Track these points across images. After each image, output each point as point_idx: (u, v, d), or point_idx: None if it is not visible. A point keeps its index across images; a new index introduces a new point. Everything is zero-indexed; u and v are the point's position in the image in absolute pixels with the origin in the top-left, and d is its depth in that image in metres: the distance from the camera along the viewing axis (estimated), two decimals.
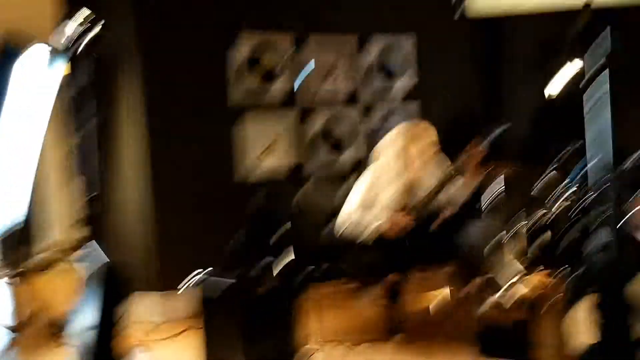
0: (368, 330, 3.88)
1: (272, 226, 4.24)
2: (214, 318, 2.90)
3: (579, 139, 3.97)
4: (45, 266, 6.75)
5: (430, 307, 4.27)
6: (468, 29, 5.40)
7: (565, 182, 3.96)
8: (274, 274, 3.02)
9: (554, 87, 5.06)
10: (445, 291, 4.13)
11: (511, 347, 3.22)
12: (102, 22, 3.69)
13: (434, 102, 5.22)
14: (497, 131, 3.64)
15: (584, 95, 1.68)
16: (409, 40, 5.20)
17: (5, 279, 4.22)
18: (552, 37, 4.94)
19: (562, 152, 4.03)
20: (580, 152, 3.94)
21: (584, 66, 1.64)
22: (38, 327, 4.23)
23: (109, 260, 2.69)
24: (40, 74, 4.13)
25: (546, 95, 5.00)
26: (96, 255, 2.88)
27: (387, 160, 3.84)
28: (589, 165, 1.81)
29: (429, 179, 3.81)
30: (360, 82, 5.06)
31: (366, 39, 5.06)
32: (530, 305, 3.27)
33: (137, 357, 3.04)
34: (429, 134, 3.83)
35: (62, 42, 3.75)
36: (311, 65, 4.78)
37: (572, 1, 1.63)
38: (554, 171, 4.08)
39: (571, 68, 4.63)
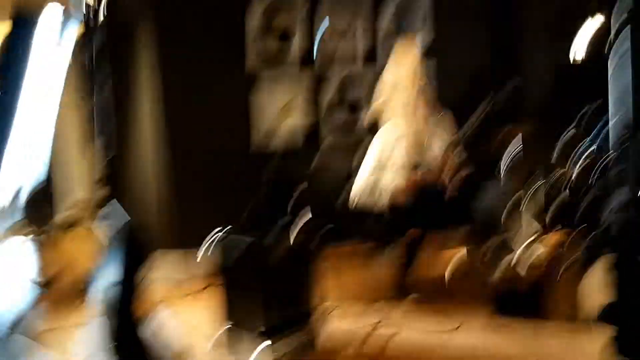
0: (384, 290, 3.92)
1: (290, 188, 4.26)
2: (234, 276, 2.94)
3: (599, 98, 3.93)
4: (67, 225, 6.88)
5: (446, 267, 4.30)
6: None
7: (585, 142, 3.91)
8: (292, 235, 3.04)
9: (579, 47, 4.96)
10: (461, 251, 4.15)
11: (526, 307, 3.25)
12: None
13: (451, 61, 5.12)
14: (508, 89, 3.57)
15: (610, 53, 1.64)
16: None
17: (30, 237, 4.30)
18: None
19: (582, 112, 3.97)
20: (601, 112, 3.90)
21: (609, 23, 1.60)
22: (63, 284, 4.33)
23: (129, 219, 2.72)
24: (54, 35, 4.12)
25: (571, 55, 4.91)
26: (117, 214, 2.92)
27: (396, 120, 3.80)
28: (610, 125, 1.78)
29: (439, 134, 3.77)
30: (377, 42, 4.98)
31: None
32: (547, 265, 3.28)
33: (159, 315, 3.11)
34: (445, 122, 3.75)
35: (76, 4, 3.73)
36: (325, 24, 4.72)
37: None
38: (574, 131, 4.03)
39: (595, 25, 4.52)
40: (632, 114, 1.74)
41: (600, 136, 3.87)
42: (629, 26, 1.75)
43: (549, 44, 5.20)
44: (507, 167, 4.50)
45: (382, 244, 4.36)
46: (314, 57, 4.77)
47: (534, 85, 5.02)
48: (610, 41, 1.62)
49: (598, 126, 3.86)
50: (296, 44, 4.70)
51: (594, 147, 3.87)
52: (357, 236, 3.85)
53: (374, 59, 4.98)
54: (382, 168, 3.85)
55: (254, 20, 4.56)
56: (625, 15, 1.63)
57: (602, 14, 4.64)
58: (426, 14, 5.10)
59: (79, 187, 9.13)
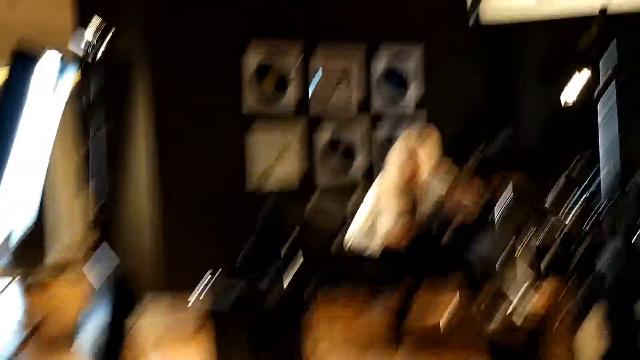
0: (376, 340, 3.85)
1: (282, 234, 4.23)
2: (225, 321, 2.88)
3: (590, 148, 3.97)
4: (57, 269, 6.79)
5: (439, 316, 4.24)
6: (477, 37, 5.40)
7: (578, 190, 3.93)
8: (284, 282, 3.00)
9: (569, 95, 5.05)
10: (456, 299, 4.10)
11: (522, 357, 3.19)
12: (113, 30, 3.73)
13: (443, 111, 5.20)
14: (500, 138, 3.60)
15: (599, 104, 1.67)
16: (417, 49, 5.20)
17: (17, 283, 4.23)
18: (565, 44, 4.95)
19: (574, 162, 4.00)
20: (593, 162, 3.93)
21: (598, 74, 1.63)
22: (50, 329, 4.23)
23: (119, 263, 2.68)
24: (51, 81, 4.16)
25: (562, 102, 4.98)
26: (107, 258, 2.88)
27: (393, 169, 3.83)
28: (601, 174, 1.79)
29: (437, 185, 3.79)
30: (370, 91, 5.05)
31: (374, 47, 5.07)
32: (542, 315, 3.24)
33: None
34: (433, 138, 3.80)
35: (74, 50, 3.78)
36: (319, 73, 4.80)
37: (587, 8, 1.61)
38: (565, 181, 4.05)
39: (585, 75, 4.61)
40: (619, 168, 1.76)
41: (593, 185, 3.90)
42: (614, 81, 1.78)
43: (541, 92, 5.30)
44: (500, 214, 4.50)
45: (376, 291, 4.32)
46: (309, 103, 4.82)
47: (527, 134, 5.09)
48: (598, 92, 1.65)
49: (590, 175, 3.89)
50: (292, 89, 4.76)
51: (586, 195, 3.89)
52: (351, 282, 3.80)
53: (367, 109, 5.05)
54: (378, 212, 3.85)
55: (250, 66, 4.62)
56: (610, 71, 1.67)
57: (590, 65, 4.76)
58: (418, 64, 5.20)
59: (69, 230, 9.07)
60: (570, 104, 4.83)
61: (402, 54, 5.16)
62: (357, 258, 3.91)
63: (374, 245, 3.75)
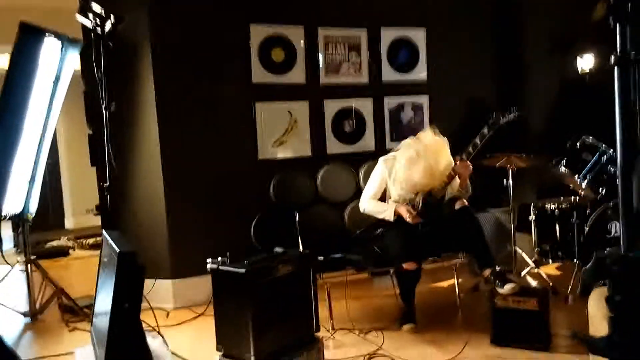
0: (381, 317, 3.87)
1: (287, 213, 4.24)
2: (227, 305, 2.89)
3: (594, 129, 3.96)
4: (60, 253, 6.85)
5: (443, 296, 4.26)
6: (484, 13, 5.39)
7: (582, 173, 3.92)
8: (287, 261, 3.00)
9: (584, 64, 5.02)
10: (457, 280, 4.12)
11: (525, 334, 3.21)
12: (116, 13, 3.70)
13: (445, 95, 5.19)
14: (503, 120, 3.59)
15: (615, 72, 1.64)
16: (419, 33, 5.16)
17: (22, 264, 4.26)
18: (574, 17, 4.93)
19: (578, 142, 3.98)
20: (592, 145, 3.92)
21: (614, 43, 1.60)
22: (58, 307, 4.27)
23: (124, 247, 2.68)
24: (55, 58, 4.15)
25: (579, 70, 4.95)
26: (110, 242, 2.89)
27: (404, 148, 3.80)
28: (618, 147, 1.76)
29: (446, 164, 3.78)
30: (371, 75, 5.03)
31: (376, 32, 5.02)
32: (542, 295, 3.25)
33: (152, 343, 3.05)
34: (444, 151, 3.75)
35: (84, 23, 3.76)
36: (321, 57, 4.78)
37: None
38: (568, 162, 4.04)
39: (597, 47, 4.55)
40: (621, 146, 1.74)
41: (596, 167, 3.89)
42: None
43: (551, 67, 5.27)
44: (502, 197, 4.50)
45: (378, 272, 4.33)
46: (310, 89, 4.80)
47: (532, 115, 5.07)
48: (614, 60, 1.62)
49: (594, 158, 3.88)
50: (301, 58, 4.75)
51: (590, 177, 3.88)
52: (354, 264, 3.81)
53: (368, 93, 5.03)
54: (379, 199, 3.86)
55: (258, 35, 4.61)
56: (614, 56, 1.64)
57: (600, 47, 4.73)
58: (421, 47, 5.16)
59: (73, 214, 9.16)
60: (586, 73, 4.80)
61: (408, 30, 5.12)
62: (360, 238, 3.92)
63: (388, 212, 3.74)
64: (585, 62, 5.09)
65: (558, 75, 5.33)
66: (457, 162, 3.55)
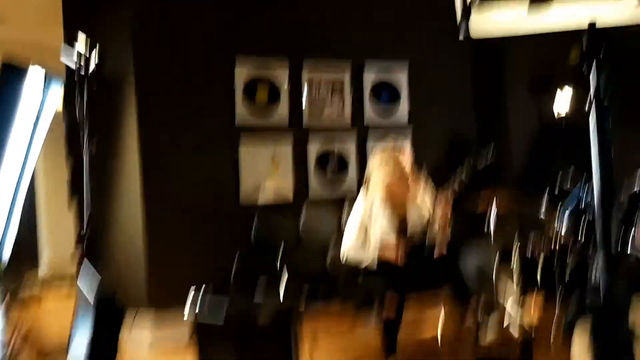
0: (365, 355, 3.81)
1: (271, 249, 4.20)
2: (212, 337, 2.84)
3: (576, 163, 4.01)
4: (39, 289, 6.68)
5: (431, 328, 4.21)
6: (463, 54, 5.49)
7: (564, 206, 3.95)
8: (272, 297, 2.97)
9: (561, 106, 5.12)
10: (447, 312, 4.08)
11: None
12: (102, 45, 3.72)
13: (428, 127, 5.25)
14: (488, 152, 3.63)
15: (590, 116, 1.67)
16: (403, 66, 5.24)
17: (8, 297, 4.15)
18: (552, 59, 5.05)
19: (560, 177, 4.03)
20: (577, 177, 3.97)
21: (589, 87, 1.64)
22: (39, 345, 4.15)
23: (105, 281, 2.64)
24: (38, 95, 4.13)
25: (555, 113, 5.04)
26: (91, 275, 2.83)
27: (377, 180, 3.82)
28: (594, 187, 1.79)
29: (420, 204, 3.80)
30: (356, 107, 5.08)
31: (361, 64, 5.10)
32: (534, 327, 3.23)
33: None
34: (404, 158, 3.81)
35: (65, 62, 3.76)
36: (306, 90, 4.82)
37: (576, 22, 1.63)
38: (555, 193, 4.07)
39: (572, 90, 4.65)
40: (598, 187, 1.76)
41: (577, 201, 3.92)
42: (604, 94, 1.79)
43: (530, 105, 5.36)
44: (489, 228, 4.51)
45: (368, 305, 4.28)
46: (302, 115, 4.83)
47: (516, 147, 5.13)
48: (589, 105, 1.66)
49: (575, 191, 3.91)
50: (284, 101, 4.78)
51: (572, 211, 3.90)
52: (342, 296, 3.77)
53: (361, 119, 5.07)
54: (363, 239, 3.84)
55: (241, 78, 4.64)
56: (600, 84, 1.68)
57: (580, 78, 4.83)
58: (404, 81, 5.24)
59: (53, 248, 8.97)
60: (563, 115, 4.90)
61: (390, 68, 5.20)
62: (345, 273, 3.88)
63: (369, 258, 3.73)
64: (561, 106, 5.18)
65: (537, 113, 5.42)
66: (436, 204, 3.58)
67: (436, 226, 3.68)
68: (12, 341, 4.14)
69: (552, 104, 5.24)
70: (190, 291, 2.86)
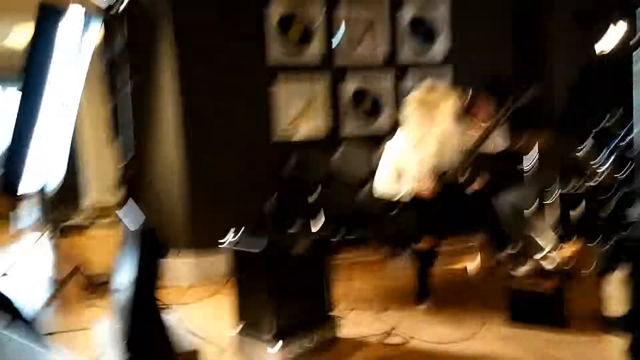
0: (397, 296, 3.89)
1: (306, 188, 4.25)
2: (247, 279, 2.93)
3: (620, 106, 3.88)
4: (84, 225, 6.96)
5: (461, 274, 4.25)
6: None
7: (605, 151, 3.86)
8: (306, 237, 3.03)
9: (605, 44, 4.91)
10: (477, 258, 4.10)
11: (543, 316, 3.20)
12: None
13: (469, 66, 5.11)
14: (526, 95, 3.54)
15: (634, 53, 1.61)
16: (439, 10, 5.08)
17: (47, 235, 4.34)
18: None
19: (603, 121, 3.91)
20: (620, 122, 3.86)
21: (635, 23, 1.56)
22: (77, 282, 4.35)
23: (145, 221, 2.72)
24: (77, 34, 4.17)
25: (597, 50, 4.84)
26: (134, 214, 2.92)
27: (411, 127, 3.78)
28: (634, 133, 1.74)
29: (457, 142, 3.75)
30: (396, 42, 4.98)
31: (395, 9, 4.96)
32: (563, 273, 3.23)
33: (173, 315, 3.10)
34: (449, 98, 3.74)
35: (98, 4, 3.76)
36: (343, 27, 4.74)
37: None
38: (599, 134, 3.97)
39: (621, 25, 4.41)
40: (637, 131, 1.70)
41: (618, 147, 3.82)
42: None
43: (573, 47, 5.16)
44: (524, 175, 4.45)
45: (396, 250, 4.33)
46: (334, 54, 4.78)
47: (559, 88, 4.98)
48: (634, 43, 1.59)
49: (620, 135, 3.81)
50: (316, 40, 4.72)
51: (618, 148, 3.80)
52: (372, 240, 3.82)
53: (392, 62, 4.98)
54: (397, 175, 3.84)
55: (273, 16, 4.58)
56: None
57: (626, 19, 4.61)
58: (445, 17, 5.09)
59: (97, 187, 9.28)
60: (606, 53, 4.70)
61: (429, 3, 5.05)
62: (379, 214, 3.91)
63: (403, 191, 3.74)
64: (607, 43, 4.95)
65: (582, 50, 5.21)
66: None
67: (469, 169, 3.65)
68: (60, 269, 4.36)
69: (597, 41, 5.01)
70: (230, 232, 2.93)
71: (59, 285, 4.30)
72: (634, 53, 1.58)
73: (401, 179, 3.84)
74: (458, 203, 3.62)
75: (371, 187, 4.12)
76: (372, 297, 3.90)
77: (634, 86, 1.64)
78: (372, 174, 4.37)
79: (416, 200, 3.69)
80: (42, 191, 4.35)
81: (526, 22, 5.31)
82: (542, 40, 5.24)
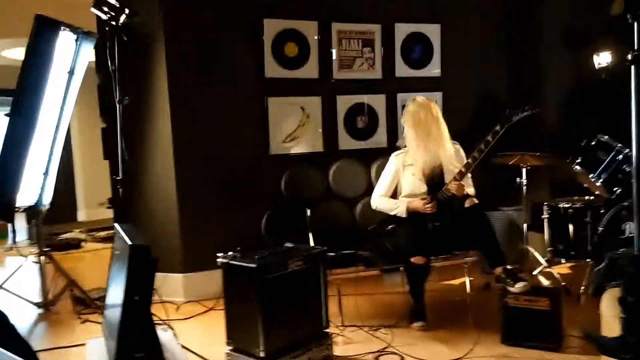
0: (389, 316, 3.86)
1: (298, 209, 4.24)
2: (239, 296, 2.90)
3: (610, 127, 3.90)
4: (72, 245, 6.91)
5: (454, 294, 4.24)
6: (494, 18, 5.34)
7: (599, 170, 3.86)
8: (298, 257, 3.00)
9: (599, 62, 4.95)
10: (470, 278, 4.09)
11: (534, 336, 3.18)
12: (130, 7, 3.71)
13: (459, 92, 5.16)
14: (516, 117, 3.57)
15: (632, 68, 1.61)
16: (434, 29, 5.12)
17: (35, 256, 4.30)
18: (590, 11, 4.86)
19: (593, 141, 3.93)
20: (612, 140, 3.87)
21: (632, 39, 1.58)
22: (70, 298, 4.31)
23: (136, 240, 2.70)
24: (70, 56, 4.18)
25: (596, 65, 4.88)
26: (123, 235, 2.90)
27: (409, 142, 3.80)
28: (633, 144, 1.74)
29: (454, 157, 3.77)
30: (385, 71, 5.01)
31: (390, 27, 4.99)
32: (554, 295, 3.22)
33: (161, 336, 3.07)
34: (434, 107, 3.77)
35: (96, 12, 3.76)
36: (334, 52, 4.78)
37: None
38: (582, 161, 3.98)
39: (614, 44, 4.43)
40: (635, 150, 1.71)
41: (612, 167, 3.83)
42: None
43: (565, 61, 5.21)
44: (515, 196, 4.46)
45: (388, 269, 4.32)
46: (323, 84, 4.80)
47: (545, 113, 5.01)
48: (633, 56, 1.59)
49: (609, 157, 3.82)
50: (314, 53, 4.75)
51: (603, 177, 3.82)
52: (365, 260, 3.80)
53: (381, 89, 5.01)
54: (400, 177, 3.84)
55: (272, 29, 4.61)
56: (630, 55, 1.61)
57: (618, 43, 4.67)
58: (435, 44, 5.13)
59: (90, 203, 9.25)
60: (605, 66, 4.73)
61: (423, 23, 5.10)
62: (371, 234, 3.90)
63: (400, 208, 3.74)
64: (602, 58, 5.02)
65: (574, 71, 5.27)
66: (452, 183, 3.58)
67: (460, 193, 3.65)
68: (52, 285, 4.31)
69: (590, 60, 5.06)
70: (224, 249, 2.91)
71: (52, 301, 4.26)
72: (632, 68, 1.59)
73: (399, 194, 3.85)
74: (452, 221, 3.61)
75: (367, 203, 4.12)
76: (366, 314, 3.88)
77: (632, 99, 1.64)
78: (368, 189, 4.38)
79: (411, 217, 3.68)
80: (35, 207, 4.32)
81: (520, 42, 5.37)
82: (536, 59, 5.28)
